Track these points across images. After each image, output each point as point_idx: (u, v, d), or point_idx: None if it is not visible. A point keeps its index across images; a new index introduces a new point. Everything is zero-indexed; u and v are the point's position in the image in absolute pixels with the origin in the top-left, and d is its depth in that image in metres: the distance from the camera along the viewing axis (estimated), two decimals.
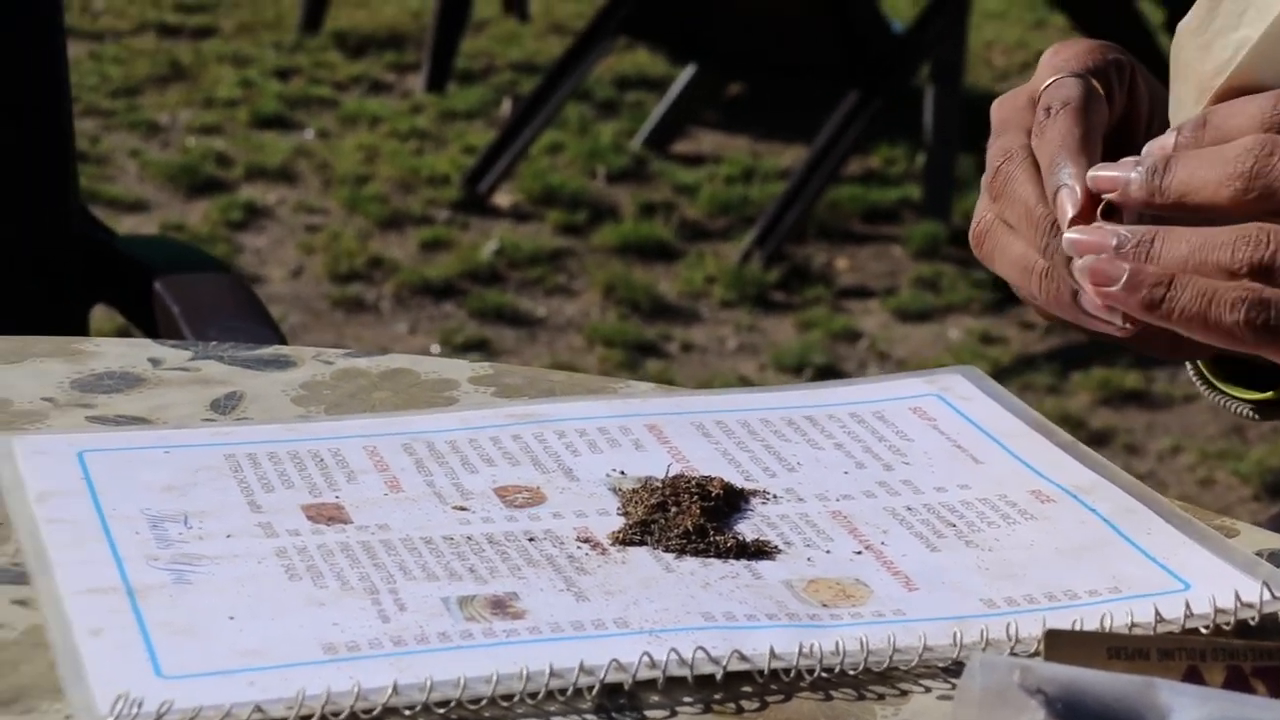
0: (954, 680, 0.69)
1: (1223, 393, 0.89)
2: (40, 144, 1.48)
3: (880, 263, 3.41)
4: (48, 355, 0.93)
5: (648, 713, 0.67)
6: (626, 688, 0.68)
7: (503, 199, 3.60)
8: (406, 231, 3.48)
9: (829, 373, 3.00)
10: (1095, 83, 0.79)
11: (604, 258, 3.39)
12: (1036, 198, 0.77)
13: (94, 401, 0.89)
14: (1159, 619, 0.71)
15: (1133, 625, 0.70)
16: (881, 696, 0.69)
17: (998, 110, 0.82)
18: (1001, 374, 2.97)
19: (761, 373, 3.01)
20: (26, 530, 0.76)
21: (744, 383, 2.95)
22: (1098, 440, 2.74)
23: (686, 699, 0.68)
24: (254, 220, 3.50)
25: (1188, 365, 0.90)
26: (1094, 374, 2.96)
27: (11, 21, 1.46)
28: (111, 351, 0.94)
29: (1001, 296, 3.22)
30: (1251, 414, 0.88)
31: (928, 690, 0.69)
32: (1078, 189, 0.75)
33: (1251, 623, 0.71)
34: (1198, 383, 0.90)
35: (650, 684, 0.68)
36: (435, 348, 3.05)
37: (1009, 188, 0.78)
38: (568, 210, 3.54)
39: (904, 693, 0.69)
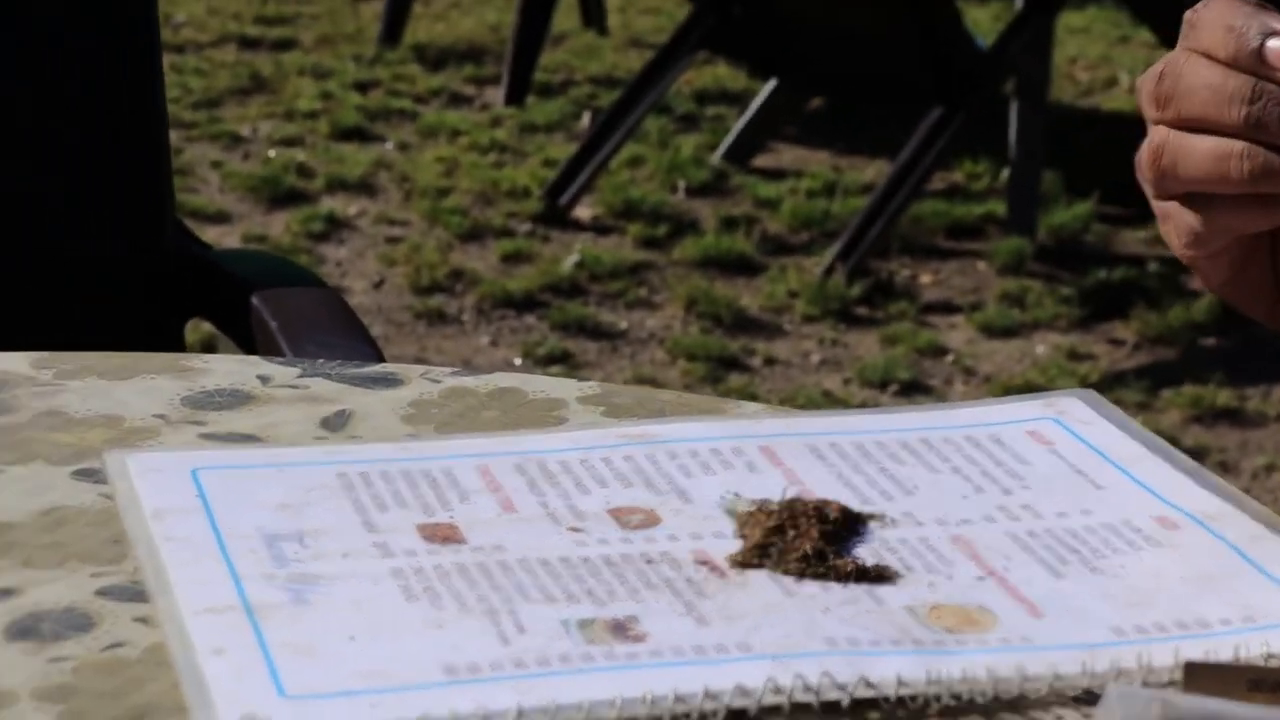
0: (1086, 709, 0.68)
1: None
2: (138, 159, 1.49)
3: (965, 278, 3.39)
4: (158, 372, 0.93)
5: None
6: (751, 713, 0.67)
7: (583, 212, 3.60)
8: (487, 244, 3.48)
9: (914, 388, 2.98)
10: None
11: (685, 271, 3.39)
12: (1220, 73, 0.73)
13: (205, 419, 0.89)
14: None
15: (1268, 656, 0.69)
16: None
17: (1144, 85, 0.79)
18: (1093, 389, 2.95)
19: (846, 387, 2.99)
20: (145, 548, 0.75)
21: (828, 398, 2.94)
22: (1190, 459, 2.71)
23: None
24: (335, 232, 3.51)
25: None
26: (1185, 391, 2.93)
27: (109, 38, 1.47)
28: (220, 369, 0.94)
29: (1088, 313, 3.19)
30: None
31: (1059, 719, 0.68)
32: None
33: None
34: None
35: (775, 710, 0.67)
36: (517, 360, 3.05)
37: (1182, 81, 0.75)
38: (648, 224, 3.53)
39: None
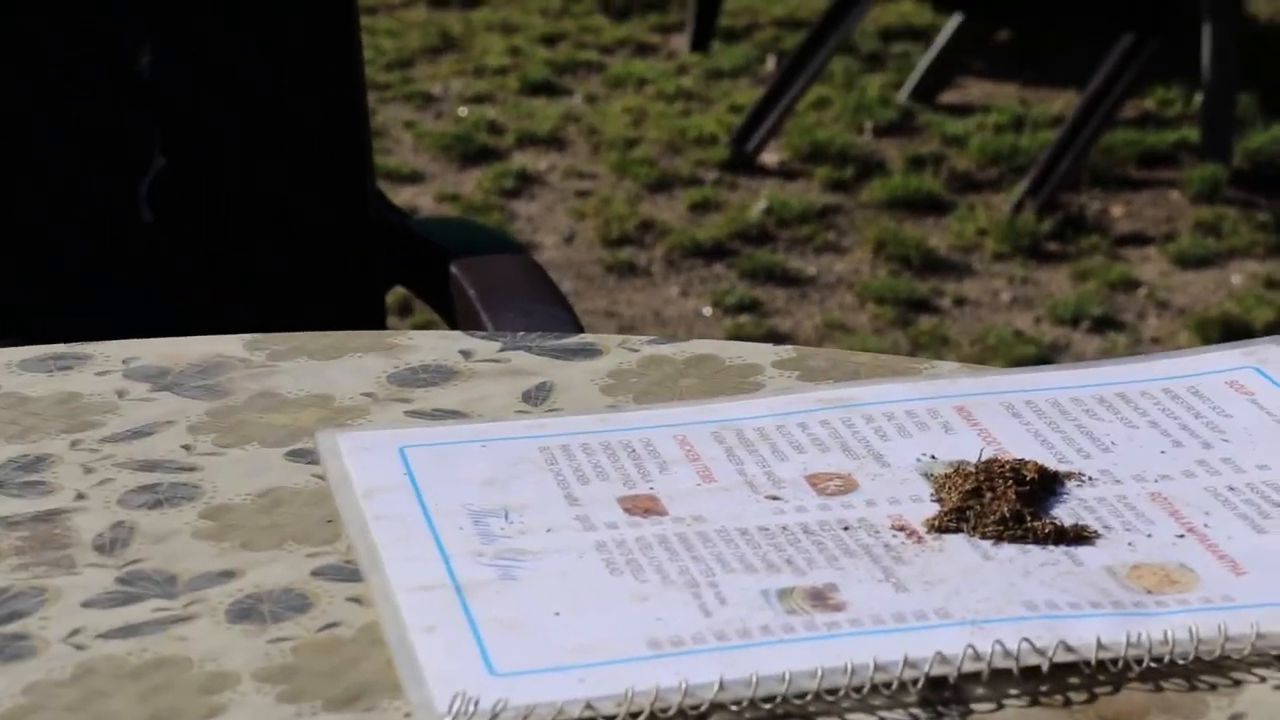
0: None
1: None
2: (340, 127, 1.52)
3: (1158, 208, 3.34)
4: (365, 350, 0.96)
5: (974, 705, 0.67)
6: (951, 680, 0.68)
7: (770, 157, 3.60)
8: (675, 193, 3.49)
9: (1107, 324, 2.95)
10: None
11: (873, 213, 3.37)
12: None
13: (411, 396, 0.91)
14: None
15: None
16: (1214, 687, 0.67)
17: None
18: None
19: (1037, 325, 2.96)
20: (357, 527, 0.78)
21: (1019, 337, 2.91)
22: None
23: (1012, 691, 0.68)
24: (526, 188, 3.54)
25: None
26: None
27: (311, 4, 1.50)
28: (424, 345, 0.96)
29: None
30: None
31: (1263, 680, 0.68)
32: None
33: None
34: None
35: (974, 676, 0.68)
36: (707, 309, 3.06)
37: None
38: (835, 166, 3.52)
39: (1237, 683, 0.68)
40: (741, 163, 3.57)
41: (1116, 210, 3.35)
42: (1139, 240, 3.24)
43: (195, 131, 1.51)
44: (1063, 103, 3.71)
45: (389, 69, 4.06)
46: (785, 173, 3.55)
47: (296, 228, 1.54)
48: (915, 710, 0.67)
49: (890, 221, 3.33)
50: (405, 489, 0.81)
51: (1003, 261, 3.19)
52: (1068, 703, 0.67)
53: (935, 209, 3.38)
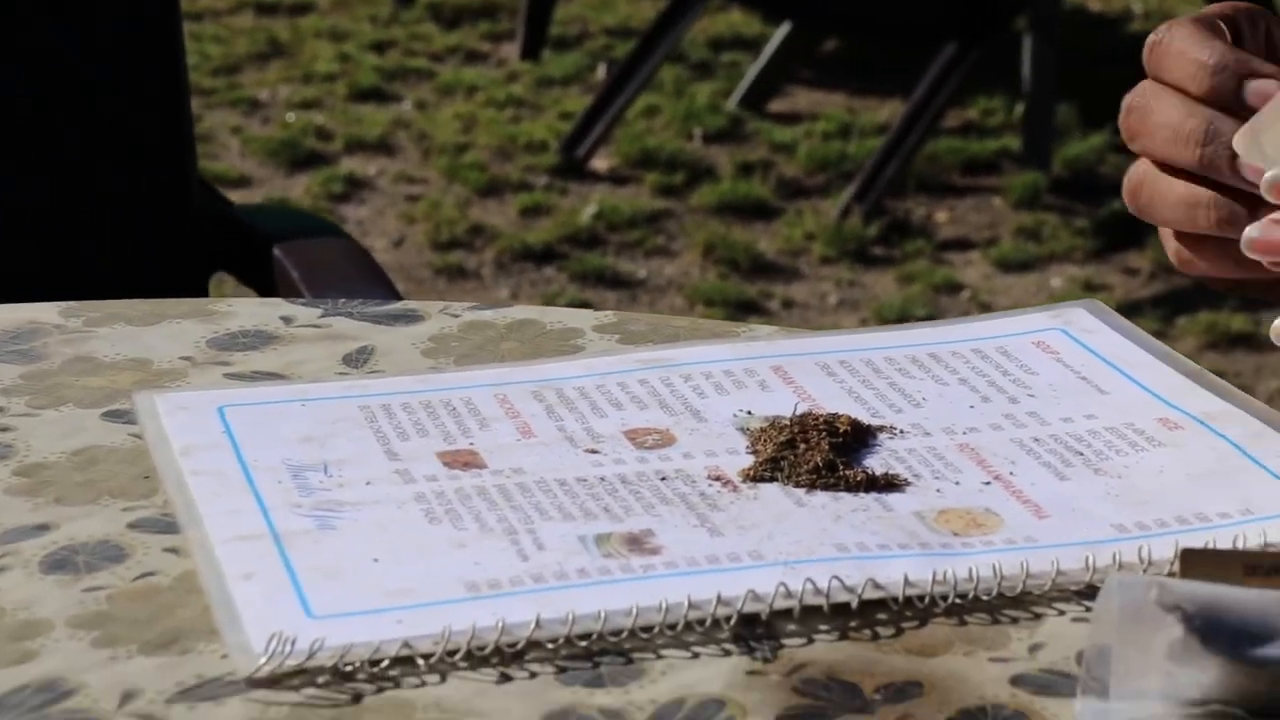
0: (1087, 603, 0.70)
1: None
2: (159, 112, 1.51)
3: (980, 214, 3.40)
4: (184, 316, 0.96)
5: (785, 641, 0.68)
6: (763, 618, 0.69)
7: (600, 163, 3.62)
8: (506, 198, 3.50)
9: None
10: (1218, 23, 0.77)
11: (703, 218, 3.40)
12: (1181, 112, 0.74)
13: (230, 360, 0.91)
14: None
15: (1266, 545, 0.71)
16: (1016, 620, 0.69)
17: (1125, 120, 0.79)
18: None
19: (863, 327, 3.01)
20: (174, 483, 0.78)
21: None
22: (1192, 363, 2.73)
23: (823, 627, 0.69)
24: (355, 192, 3.53)
25: None
26: (1200, 318, 2.95)
27: (134, 5, 1.49)
28: (244, 311, 0.96)
29: (1104, 244, 3.20)
30: None
31: (1061, 614, 0.70)
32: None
33: None
34: None
35: (786, 614, 0.69)
36: None
37: (1148, 119, 0.75)
38: (665, 172, 3.54)
39: (1038, 616, 0.70)
40: (572, 168, 3.58)
41: (941, 216, 3.41)
42: (962, 245, 3.29)
43: (13, 120, 1.50)
44: (888, 111, 3.76)
45: (215, 74, 4.02)
46: (615, 178, 3.57)
47: (117, 216, 1.53)
48: (729, 646, 0.68)
49: (719, 226, 3.36)
50: (224, 446, 0.81)
51: (830, 265, 3.23)
52: (876, 636, 0.69)
53: (764, 214, 3.42)
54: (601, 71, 4.02)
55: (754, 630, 0.69)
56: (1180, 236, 0.78)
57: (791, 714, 0.64)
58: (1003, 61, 3.57)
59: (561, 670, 0.67)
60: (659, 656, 0.67)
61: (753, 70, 3.82)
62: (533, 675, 0.66)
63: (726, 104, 3.80)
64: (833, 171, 3.54)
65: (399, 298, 1.40)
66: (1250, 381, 2.80)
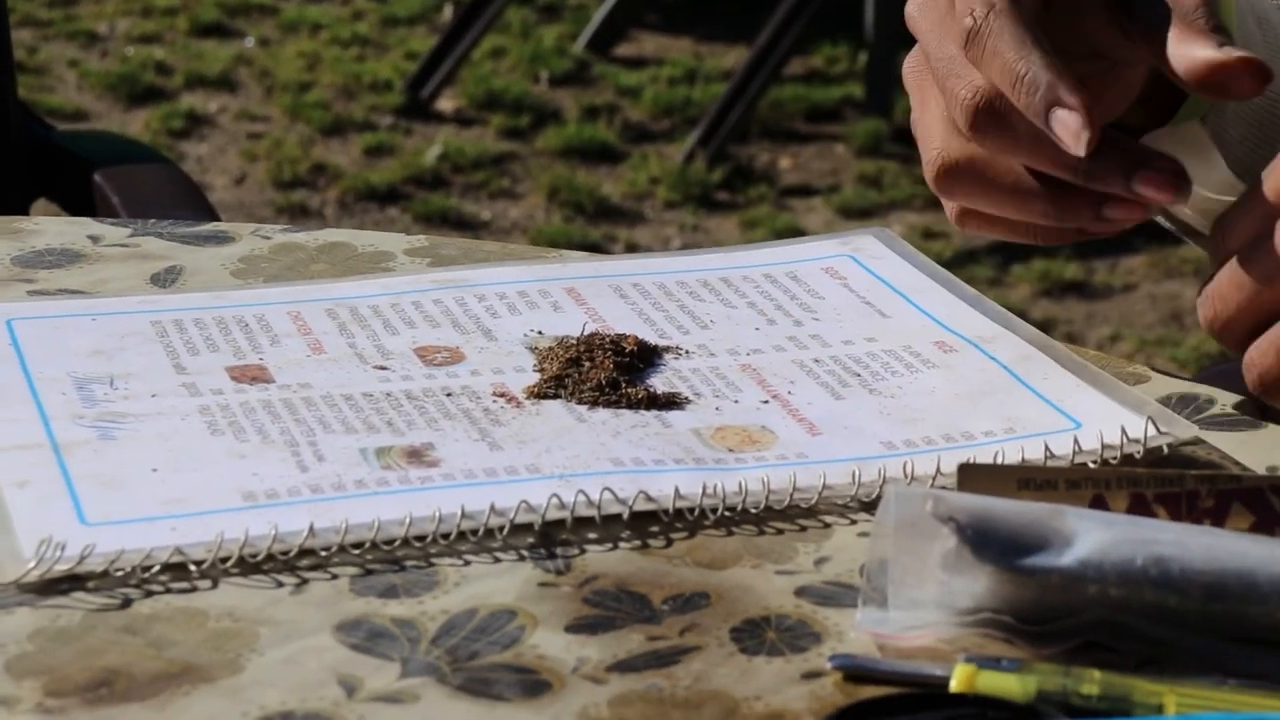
0: (856, 516, 0.72)
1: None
2: None
3: (823, 161, 3.43)
4: None
5: (557, 550, 0.70)
6: (536, 528, 0.70)
7: (446, 104, 3.61)
8: (349, 138, 3.48)
9: None
10: (1037, 11, 0.76)
11: (548, 161, 3.40)
12: (1018, 51, 0.73)
13: (35, 277, 0.90)
14: (1049, 455, 0.74)
15: (1024, 461, 0.73)
16: (804, 529, 0.71)
17: (920, 21, 0.79)
18: (944, 267, 3.00)
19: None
20: None
21: None
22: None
23: (592, 536, 0.70)
24: (196, 129, 3.50)
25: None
26: (1034, 266, 3.00)
27: None
28: (51, 229, 0.96)
29: None
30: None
31: (852, 523, 0.71)
32: (1077, 114, 0.72)
33: (1136, 456, 0.73)
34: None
35: (559, 525, 0.71)
36: None
37: (986, 48, 0.74)
38: (511, 114, 3.54)
39: (827, 526, 0.71)
40: (417, 109, 3.57)
41: (784, 162, 3.43)
42: (805, 191, 3.32)
43: None
44: (734, 57, 3.78)
45: (51, 6, 3.96)
46: (461, 120, 3.57)
47: None
48: (501, 555, 0.69)
49: (565, 169, 3.37)
50: (9, 358, 0.81)
51: (674, 210, 3.25)
52: (669, 543, 0.70)
53: (609, 158, 3.43)
54: (448, 12, 4.01)
55: (525, 540, 0.70)
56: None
57: (580, 624, 0.65)
58: (846, 9, 3.60)
59: (356, 580, 0.67)
60: (455, 567, 0.68)
61: (600, 13, 3.82)
62: (334, 579, 0.67)
63: (573, 47, 3.81)
64: (678, 116, 3.56)
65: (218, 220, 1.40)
66: (1082, 329, 2.86)
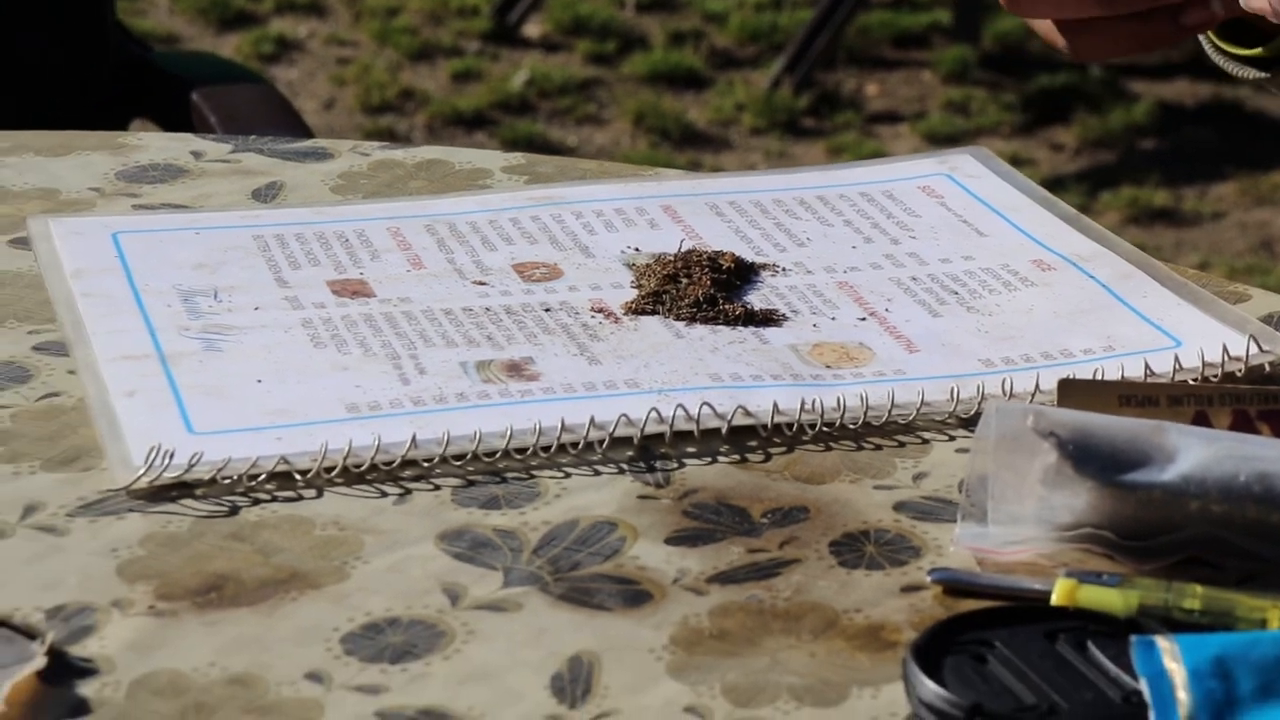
0: (955, 432, 0.72)
1: (1233, 57, 0.87)
2: None
3: (910, 87, 3.41)
4: (93, 149, 0.96)
5: (656, 463, 0.70)
6: (635, 441, 0.71)
7: (532, 29, 3.60)
8: (437, 63, 3.48)
9: None
10: None
11: (634, 87, 3.39)
12: None
13: (139, 191, 0.91)
14: (1149, 373, 0.73)
15: (1123, 379, 0.73)
16: (903, 444, 0.71)
17: None
18: None
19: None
20: (64, 304, 0.79)
21: None
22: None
23: (691, 450, 0.71)
24: (285, 53, 3.51)
25: (1202, 40, 0.88)
26: (1122, 193, 2.97)
27: None
28: (155, 145, 0.97)
29: (1031, 119, 3.22)
30: (1259, 74, 0.87)
31: (951, 439, 0.72)
32: None
33: (1238, 374, 0.73)
34: (1210, 52, 0.89)
35: (658, 439, 0.71)
36: None
37: None
38: (597, 40, 3.53)
39: (925, 442, 0.71)
40: (503, 34, 3.56)
41: (871, 89, 3.41)
42: (891, 118, 3.30)
43: None
44: None
45: None
46: (547, 45, 3.56)
47: (35, 64, 1.52)
48: (601, 468, 0.70)
49: (650, 95, 3.36)
50: (115, 270, 0.82)
51: (759, 136, 3.24)
52: (768, 458, 0.70)
53: (695, 84, 3.41)
54: None
55: (648, 457, 0.71)
56: None
57: (680, 536, 0.66)
58: None
59: (458, 491, 0.68)
60: (555, 479, 0.69)
61: None
62: (436, 489, 0.68)
63: None
64: (764, 42, 3.54)
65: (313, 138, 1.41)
66: (1170, 255, 2.83)
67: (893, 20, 3.59)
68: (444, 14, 3.65)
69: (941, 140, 3.21)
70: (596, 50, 3.51)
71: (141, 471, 0.67)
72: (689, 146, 3.21)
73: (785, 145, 3.21)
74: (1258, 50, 0.83)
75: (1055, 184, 3.02)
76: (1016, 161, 3.08)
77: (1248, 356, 0.74)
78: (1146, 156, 3.13)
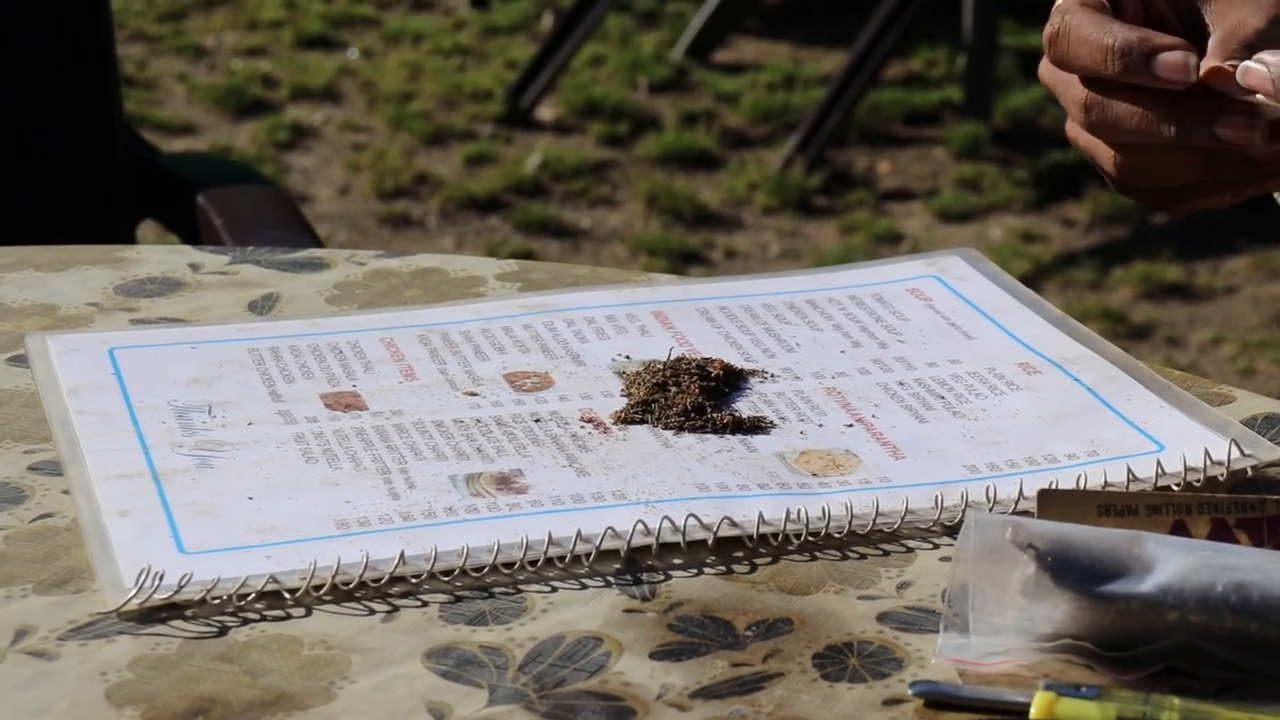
0: (939, 540, 0.73)
1: None
2: (84, 62, 1.52)
3: (922, 165, 3.42)
4: (92, 263, 0.97)
5: (643, 576, 0.71)
6: (622, 554, 0.72)
7: (545, 112, 3.63)
8: (451, 147, 3.51)
9: None
10: (1103, 1, 0.78)
11: (646, 168, 3.41)
12: (1100, 28, 0.75)
13: (137, 305, 0.93)
14: (1132, 478, 0.74)
15: (1106, 485, 0.74)
16: (887, 554, 0.72)
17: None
18: (1043, 271, 2.98)
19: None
20: (59, 422, 0.80)
21: None
22: (1139, 334, 2.76)
23: (677, 561, 0.72)
24: (300, 140, 3.53)
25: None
26: (1135, 268, 2.98)
27: None
28: (153, 258, 0.98)
29: (1043, 195, 3.23)
30: None
31: (935, 547, 0.72)
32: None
33: (1220, 479, 0.74)
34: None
35: (645, 550, 0.72)
36: None
37: (1069, 38, 0.75)
38: (610, 122, 3.56)
39: (910, 551, 0.72)
40: (517, 118, 3.59)
41: (883, 167, 3.43)
42: (904, 196, 3.32)
43: None
44: (832, 62, 3.78)
45: (161, 21, 4.02)
46: (560, 128, 3.58)
47: (41, 165, 1.54)
48: (588, 582, 0.70)
49: (663, 176, 3.38)
50: (111, 387, 0.83)
51: (772, 215, 3.25)
52: (753, 569, 0.71)
53: (707, 164, 3.43)
54: (547, 20, 4.03)
55: (611, 566, 0.71)
56: (1088, 83, 0.78)
57: (664, 650, 0.66)
58: (944, 12, 3.59)
59: (445, 607, 0.69)
60: (542, 593, 0.69)
61: (698, 20, 3.83)
62: (424, 606, 0.68)
63: (671, 54, 3.82)
64: (776, 122, 3.56)
65: (319, 242, 1.42)
66: (1184, 331, 2.84)
67: (904, 98, 3.61)
68: (457, 98, 3.68)
69: (954, 218, 3.22)
70: (609, 132, 3.53)
71: (132, 593, 0.68)
72: (702, 227, 3.23)
73: (798, 224, 3.23)
74: None
75: (1068, 260, 3.03)
76: (1029, 238, 3.09)
77: (1229, 461, 0.74)
78: (1159, 231, 3.14)
